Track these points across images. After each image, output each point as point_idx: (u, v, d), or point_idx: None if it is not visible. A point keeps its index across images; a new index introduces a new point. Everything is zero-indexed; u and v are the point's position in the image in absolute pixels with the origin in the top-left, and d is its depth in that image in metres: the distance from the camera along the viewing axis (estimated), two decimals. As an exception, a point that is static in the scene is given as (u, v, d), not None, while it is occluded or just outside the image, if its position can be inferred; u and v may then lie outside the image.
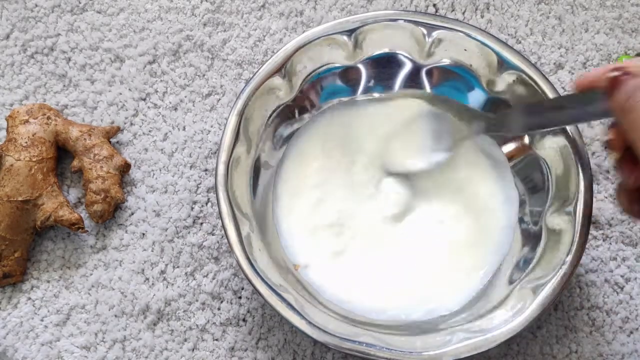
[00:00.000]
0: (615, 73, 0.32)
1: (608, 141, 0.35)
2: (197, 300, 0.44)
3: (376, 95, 0.47)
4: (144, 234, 0.46)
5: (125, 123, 0.48)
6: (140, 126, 0.48)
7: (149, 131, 0.48)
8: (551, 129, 0.42)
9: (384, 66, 0.46)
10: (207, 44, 0.50)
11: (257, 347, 0.44)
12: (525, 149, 0.45)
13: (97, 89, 0.49)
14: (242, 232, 0.40)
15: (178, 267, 0.45)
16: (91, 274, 0.45)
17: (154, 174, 0.47)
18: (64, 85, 0.49)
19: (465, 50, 0.45)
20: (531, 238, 0.43)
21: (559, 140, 0.42)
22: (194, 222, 0.46)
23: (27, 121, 0.45)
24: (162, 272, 0.45)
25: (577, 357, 0.43)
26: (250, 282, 0.39)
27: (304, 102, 0.46)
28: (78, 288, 0.45)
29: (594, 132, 0.48)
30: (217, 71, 0.50)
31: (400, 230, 0.45)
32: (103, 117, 0.49)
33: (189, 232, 0.46)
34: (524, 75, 0.43)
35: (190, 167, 0.47)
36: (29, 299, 0.45)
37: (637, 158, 0.32)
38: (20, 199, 0.43)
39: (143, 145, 0.48)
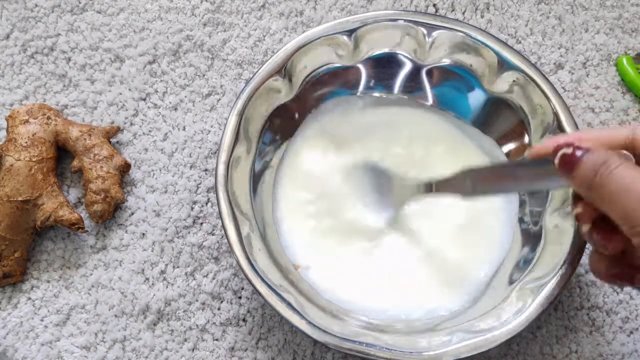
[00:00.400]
0: (567, 150, 0.32)
1: (576, 215, 0.34)
2: (197, 300, 0.44)
3: (376, 94, 0.47)
4: (144, 234, 0.46)
5: (125, 123, 0.48)
6: (140, 126, 0.48)
7: (149, 131, 0.48)
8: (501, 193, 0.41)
9: (384, 66, 0.46)
10: (207, 44, 0.50)
11: (257, 347, 0.44)
12: (525, 149, 0.45)
13: (97, 89, 0.49)
14: (242, 232, 0.40)
15: (178, 267, 0.45)
16: (91, 274, 0.45)
17: (154, 174, 0.47)
18: (64, 85, 0.49)
19: (465, 50, 0.45)
20: (531, 238, 0.43)
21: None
22: (194, 222, 0.46)
23: (27, 121, 0.45)
24: (162, 272, 0.45)
25: (577, 357, 0.43)
26: (250, 282, 0.39)
27: (304, 102, 0.46)
28: (78, 288, 0.45)
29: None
30: (217, 71, 0.50)
31: (400, 230, 0.45)
32: (103, 117, 0.49)
33: (189, 232, 0.46)
34: (524, 75, 0.43)
35: (190, 167, 0.47)
36: (29, 299, 0.45)
37: (612, 226, 0.32)
38: (20, 199, 0.43)
39: (143, 145, 0.48)
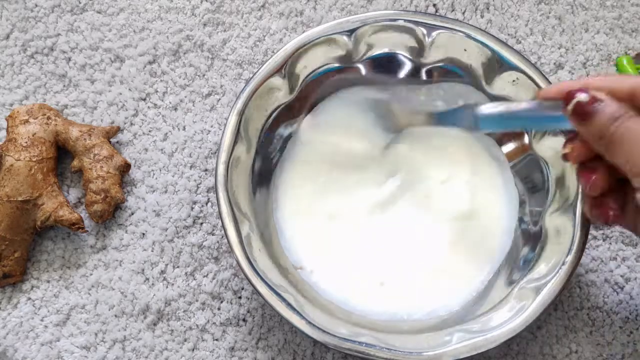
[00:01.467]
0: (583, 98, 0.32)
1: (565, 154, 0.35)
2: (197, 300, 0.44)
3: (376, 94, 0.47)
4: (144, 234, 0.46)
5: (125, 123, 0.48)
6: (140, 126, 0.48)
7: (149, 131, 0.48)
8: (506, 130, 0.42)
9: (384, 66, 0.46)
10: (207, 44, 0.50)
11: (257, 347, 0.44)
12: (525, 149, 0.45)
13: (97, 89, 0.49)
14: (242, 232, 0.40)
15: (178, 267, 0.45)
16: (91, 274, 0.45)
17: (154, 174, 0.47)
18: (64, 85, 0.49)
19: (465, 50, 0.45)
20: (531, 238, 0.43)
21: (559, 141, 0.42)
22: (194, 222, 0.46)
23: (27, 121, 0.45)
24: (162, 272, 0.45)
25: (577, 357, 0.43)
26: (250, 282, 0.39)
27: (304, 102, 0.46)
28: (78, 288, 0.45)
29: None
30: (217, 71, 0.50)
31: (401, 231, 0.45)
32: (103, 117, 0.49)
33: (189, 232, 0.46)
34: (524, 75, 0.43)
35: (190, 167, 0.47)
36: (29, 299, 0.45)
37: (595, 166, 0.34)
38: (20, 199, 0.43)
39: (143, 145, 0.48)
